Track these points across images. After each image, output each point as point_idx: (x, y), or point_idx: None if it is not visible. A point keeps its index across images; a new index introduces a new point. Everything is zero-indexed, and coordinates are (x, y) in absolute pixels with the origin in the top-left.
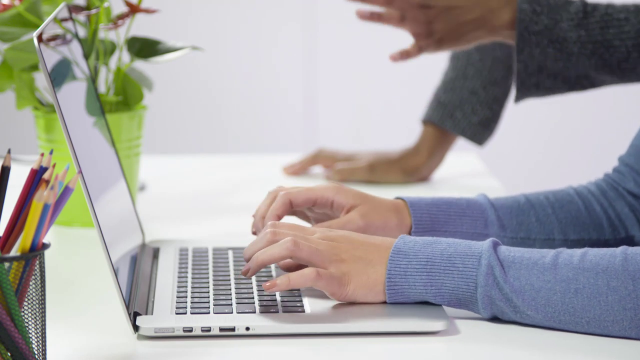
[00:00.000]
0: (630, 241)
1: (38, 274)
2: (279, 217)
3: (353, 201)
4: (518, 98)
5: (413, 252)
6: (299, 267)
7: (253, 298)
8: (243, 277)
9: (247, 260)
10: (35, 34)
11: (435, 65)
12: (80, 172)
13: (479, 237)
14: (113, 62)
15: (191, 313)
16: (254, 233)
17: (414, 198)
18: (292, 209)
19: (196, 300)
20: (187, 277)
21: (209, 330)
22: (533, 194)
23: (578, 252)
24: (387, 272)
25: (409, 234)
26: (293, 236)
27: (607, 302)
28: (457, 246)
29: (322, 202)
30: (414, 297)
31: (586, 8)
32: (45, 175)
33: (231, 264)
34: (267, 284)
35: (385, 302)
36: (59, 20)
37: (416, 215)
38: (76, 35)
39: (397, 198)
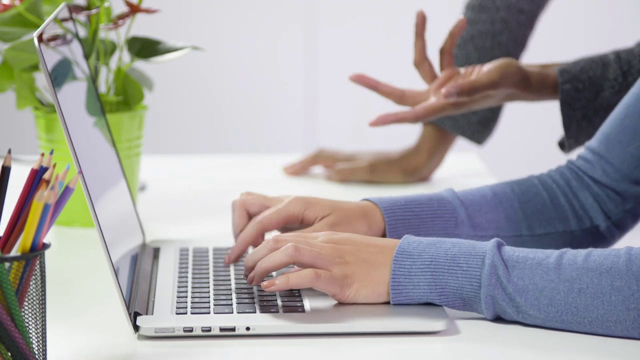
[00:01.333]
0: (595, 231)
1: (38, 274)
2: (255, 244)
3: (322, 212)
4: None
5: (417, 252)
6: None
7: (253, 298)
8: (243, 277)
9: (249, 269)
10: (35, 34)
11: (434, 65)
12: (81, 172)
13: (451, 237)
14: (113, 62)
15: (191, 313)
16: (230, 261)
17: (383, 199)
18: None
19: (196, 300)
20: (187, 277)
21: (209, 330)
22: (499, 185)
23: (582, 252)
24: (391, 273)
25: (382, 236)
26: (294, 242)
27: (611, 302)
28: (461, 246)
29: (292, 220)
30: (418, 297)
31: (622, 67)
32: (46, 175)
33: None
34: (265, 283)
35: (386, 303)
36: (59, 20)
37: (390, 220)
38: (76, 35)
39: (365, 200)
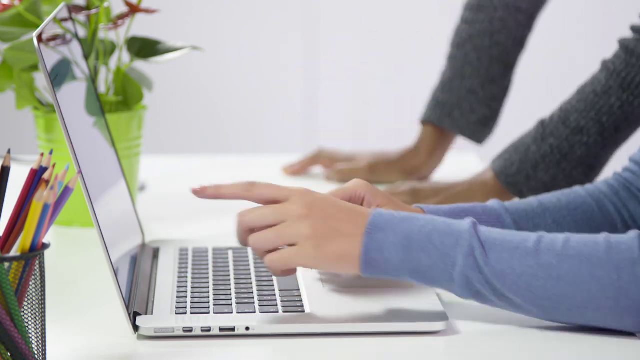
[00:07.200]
0: None
1: (38, 274)
2: None
3: (381, 200)
4: None
5: (390, 227)
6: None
7: (253, 298)
8: (243, 277)
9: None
10: (35, 34)
11: (434, 66)
12: (80, 172)
13: None
14: (113, 62)
15: (191, 313)
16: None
17: (431, 207)
18: None
19: (196, 300)
20: (187, 277)
21: (209, 330)
22: (544, 196)
23: (560, 237)
24: (362, 246)
25: None
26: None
27: (590, 291)
28: (436, 223)
29: (355, 200)
30: (389, 273)
31: (553, 150)
32: (45, 175)
33: (231, 264)
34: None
35: (376, 295)
36: (59, 20)
37: None
38: (76, 35)
39: (416, 206)
